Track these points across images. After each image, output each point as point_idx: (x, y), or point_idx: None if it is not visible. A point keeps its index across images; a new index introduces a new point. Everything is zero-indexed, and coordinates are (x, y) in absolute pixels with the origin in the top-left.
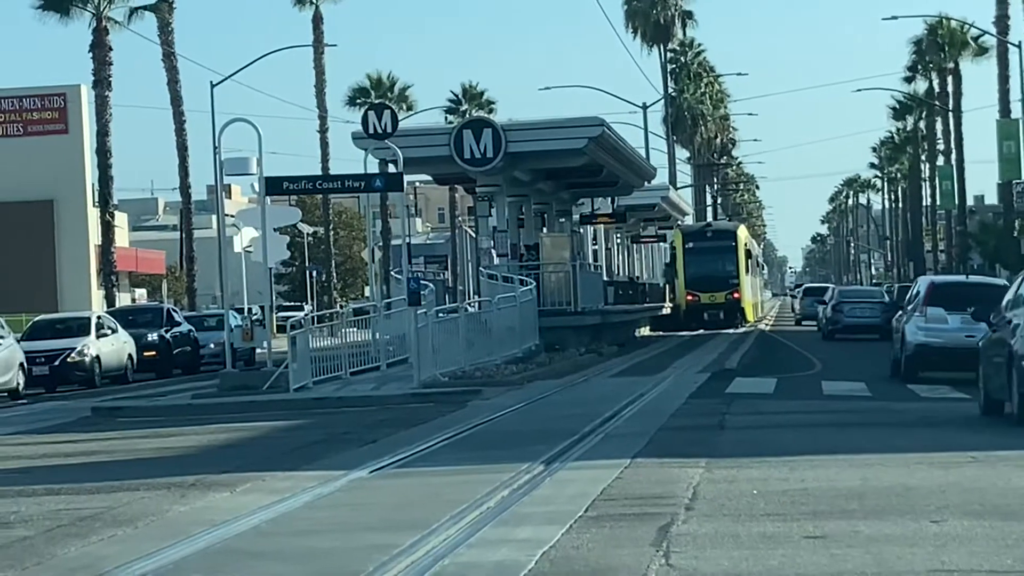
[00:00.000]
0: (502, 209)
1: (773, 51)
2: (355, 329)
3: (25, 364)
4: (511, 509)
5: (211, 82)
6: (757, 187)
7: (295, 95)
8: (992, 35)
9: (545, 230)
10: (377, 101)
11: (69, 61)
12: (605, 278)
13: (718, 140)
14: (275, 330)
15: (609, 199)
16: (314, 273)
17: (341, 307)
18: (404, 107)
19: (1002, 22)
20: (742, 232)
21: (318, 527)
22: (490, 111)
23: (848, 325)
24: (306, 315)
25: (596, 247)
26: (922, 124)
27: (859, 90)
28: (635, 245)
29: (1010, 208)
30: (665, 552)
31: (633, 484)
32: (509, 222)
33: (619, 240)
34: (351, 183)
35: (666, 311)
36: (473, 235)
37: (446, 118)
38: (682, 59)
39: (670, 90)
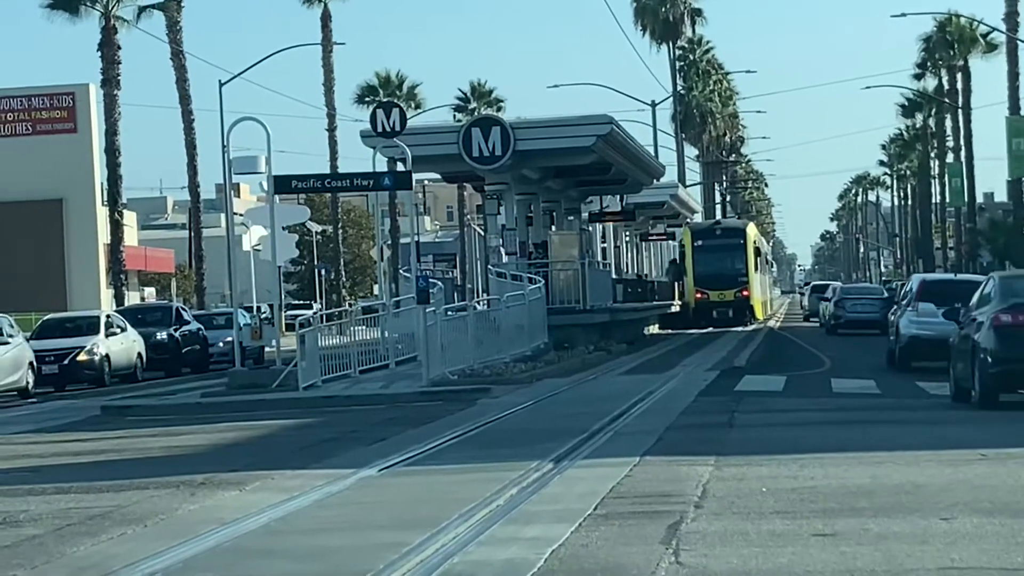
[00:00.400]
0: (511, 207)
1: (782, 48)
2: (364, 327)
3: (34, 363)
4: (520, 507)
5: (219, 81)
6: (766, 185)
7: (303, 93)
8: (1001, 32)
9: (554, 228)
10: (385, 99)
11: (78, 60)
12: (614, 276)
13: (727, 138)
14: (284, 328)
15: (618, 197)
16: (323, 271)
17: (350, 305)
18: (412, 105)
19: (1012, 19)
20: (751, 230)
21: (327, 525)
22: (499, 109)
23: (850, 320)
24: (315, 313)
25: (605, 245)
26: (931, 121)
27: (868, 87)
28: (644, 243)
29: (1020, 205)
30: (675, 550)
31: (642, 482)
32: (518, 220)
33: (628, 238)
34: (360, 181)
35: (675, 309)
36: (482, 233)
37: (454, 116)
38: (691, 57)
39: (679, 88)
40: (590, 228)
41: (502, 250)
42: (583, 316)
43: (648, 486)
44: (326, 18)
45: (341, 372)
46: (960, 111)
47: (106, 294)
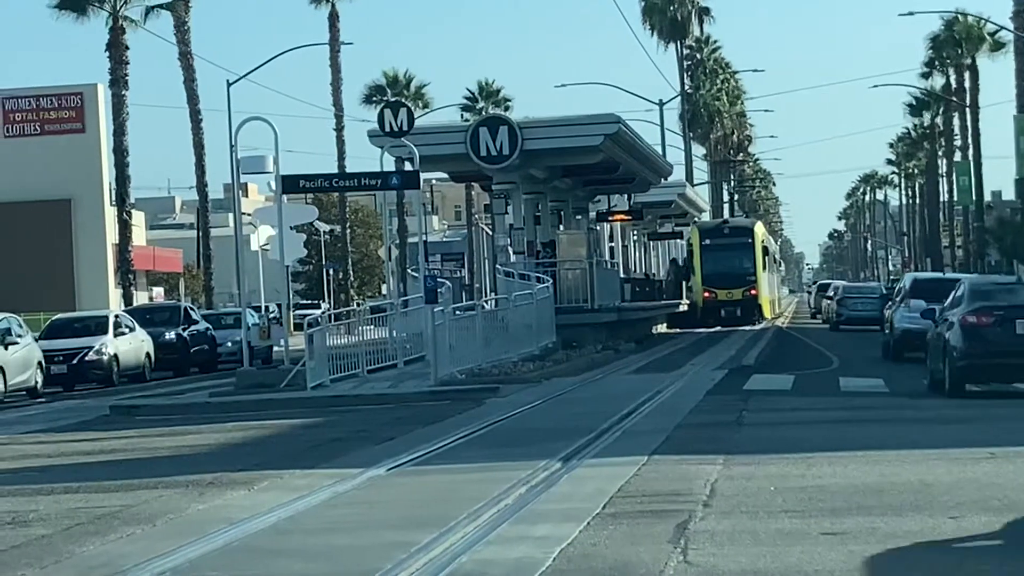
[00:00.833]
0: (518, 206)
1: (789, 47)
2: (372, 327)
3: (43, 363)
4: (529, 506)
5: (227, 81)
6: (774, 183)
7: (311, 93)
8: (1009, 30)
9: (562, 227)
10: (393, 99)
11: (86, 60)
12: (622, 275)
13: (734, 137)
14: (292, 328)
15: (626, 196)
16: (331, 271)
17: (358, 305)
18: (420, 105)
19: (1019, 17)
20: (759, 229)
21: (336, 525)
22: (506, 108)
23: (851, 317)
24: (323, 313)
25: (613, 244)
26: (939, 120)
27: (876, 86)
28: (652, 242)
29: None
30: (683, 549)
31: (651, 481)
32: (525, 219)
33: (636, 237)
34: (367, 181)
35: (683, 308)
36: (489, 233)
37: (462, 116)
38: (698, 56)
39: (686, 87)
40: (598, 227)
41: (510, 249)
42: (591, 315)
43: (657, 485)
44: (334, 18)
45: (349, 372)
46: (968, 110)
47: (114, 294)
